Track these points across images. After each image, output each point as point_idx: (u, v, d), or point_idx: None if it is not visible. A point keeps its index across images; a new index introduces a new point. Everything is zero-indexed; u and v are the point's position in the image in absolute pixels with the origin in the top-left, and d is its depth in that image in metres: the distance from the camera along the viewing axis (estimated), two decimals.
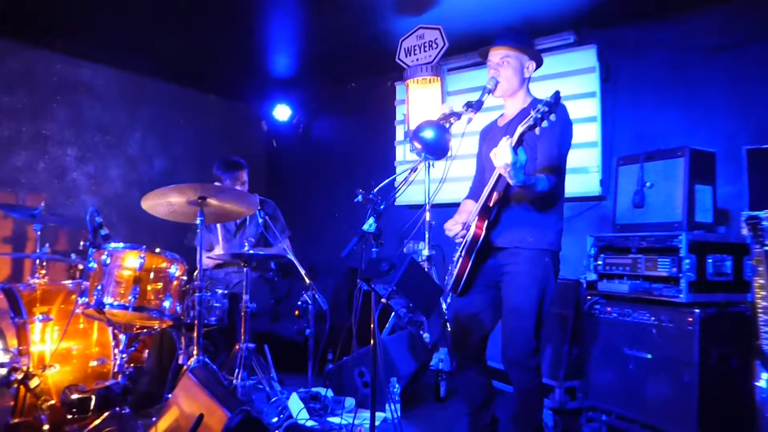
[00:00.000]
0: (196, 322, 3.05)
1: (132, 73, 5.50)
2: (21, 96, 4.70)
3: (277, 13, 4.47)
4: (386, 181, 2.78)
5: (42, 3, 4.11)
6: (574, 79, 4.39)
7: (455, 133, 2.74)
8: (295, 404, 3.28)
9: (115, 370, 2.90)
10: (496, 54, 2.68)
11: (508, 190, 2.56)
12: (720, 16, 3.94)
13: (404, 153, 5.49)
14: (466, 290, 2.69)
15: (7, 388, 2.76)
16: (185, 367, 3.00)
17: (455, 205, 2.92)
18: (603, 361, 3.19)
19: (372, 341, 2.34)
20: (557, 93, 2.23)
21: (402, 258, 2.28)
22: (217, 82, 6.06)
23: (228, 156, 4.17)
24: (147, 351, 3.43)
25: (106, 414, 2.77)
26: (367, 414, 3.17)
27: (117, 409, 2.77)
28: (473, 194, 2.88)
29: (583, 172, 4.30)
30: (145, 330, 3.03)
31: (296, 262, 3.73)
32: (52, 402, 2.84)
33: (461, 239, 2.69)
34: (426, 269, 3.97)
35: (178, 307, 3.01)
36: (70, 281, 3.36)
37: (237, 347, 3.42)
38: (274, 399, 3.37)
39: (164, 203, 3.18)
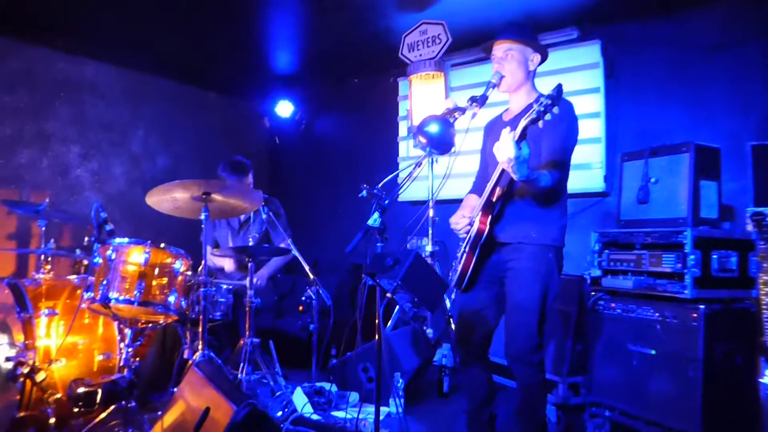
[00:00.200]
0: (201, 317, 3.06)
1: (134, 71, 5.51)
2: (23, 95, 4.70)
3: (278, 10, 4.47)
4: (390, 176, 2.78)
5: (43, 2, 4.11)
6: (577, 74, 4.38)
7: (459, 129, 2.74)
8: (300, 399, 3.29)
9: (121, 364, 2.91)
10: (500, 48, 2.68)
11: (512, 186, 2.56)
12: (722, 13, 3.93)
13: (407, 149, 5.50)
14: (470, 286, 2.69)
15: (13, 382, 2.77)
16: (191, 362, 3.01)
17: (459, 202, 2.92)
18: (607, 357, 3.19)
19: (377, 336, 2.35)
20: (559, 86, 2.22)
21: (407, 253, 2.28)
22: (219, 80, 6.06)
23: (232, 156, 4.17)
24: (152, 346, 3.44)
25: (112, 408, 2.79)
26: (370, 408, 3.18)
27: (123, 402, 2.78)
28: (477, 189, 2.88)
29: (587, 168, 4.30)
30: (150, 325, 3.04)
31: (300, 258, 3.73)
32: (59, 396, 2.86)
33: (465, 235, 2.69)
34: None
35: (183, 302, 3.02)
36: (75, 276, 3.37)
37: (241, 342, 3.43)
38: (278, 393, 3.38)
39: (169, 199, 3.19)
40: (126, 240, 2.92)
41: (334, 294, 4.61)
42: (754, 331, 2.85)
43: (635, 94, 4.33)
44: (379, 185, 2.53)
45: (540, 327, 2.52)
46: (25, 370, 2.75)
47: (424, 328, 4.03)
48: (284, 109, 6.36)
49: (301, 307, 3.77)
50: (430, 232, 4.20)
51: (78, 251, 3.61)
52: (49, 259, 3.37)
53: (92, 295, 2.83)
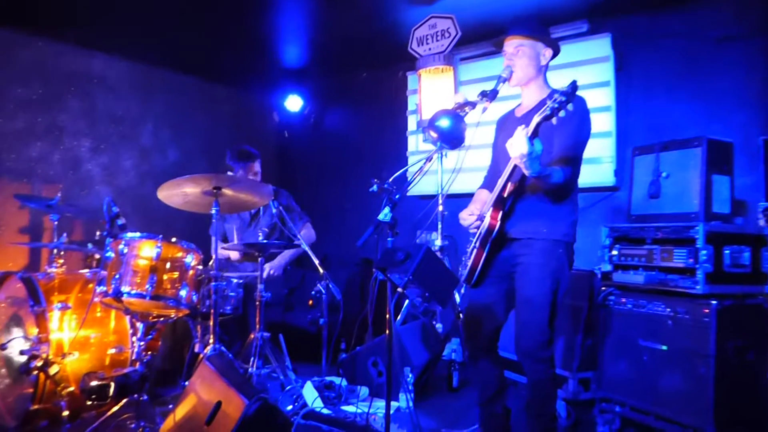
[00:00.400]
0: (212, 311, 3.08)
1: (144, 64, 5.52)
2: (35, 87, 4.72)
3: (288, 3, 4.46)
4: (401, 171, 2.78)
5: None
6: (587, 68, 4.35)
7: (470, 123, 2.73)
8: (310, 393, 3.31)
9: (133, 357, 2.94)
10: (511, 44, 2.67)
11: (523, 181, 2.55)
12: (733, 5, 3.89)
13: (416, 143, 5.49)
14: (480, 281, 2.70)
15: (27, 375, 2.81)
16: (202, 356, 3.03)
17: (469, 196, 2.91)
18: (617, 352, 3.18)
19: (387, 331, 2.35)
20: (574, 82, 2.21)
21: (417, 248, 2.28)
22: (228, 73, 6.07)
23: (240, 145, 4.18)
24: (163, 340, 3.47)
25: (124, 401, 2.81)
26: (380, 403, 3.20)
27: (135, 396, 2.81)
28: (487, 184, 2.87)
29: (597, 162, 4.28)
30: (161, 318, 3.06)
31: (310, 252, 3.74)
32: (71, 389, 2.89)
33: (475, 230, 2.69)
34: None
35: (194, 296, 3.03)
36: (87, 270, 3.40)
37: (252, 336, 3.44)
38: (288, 387, 3.39)
39: (179, 193, 3.20)
40: (138, 234, 2.93)
41: (343, 288, 4.62)
42: (766, 327, 2.85)
43: (646, 88, 4.30)
44: (390, 180, 2.53)
45: (550, 322, 2.52)
46: (39, 363, 2.78)
47: (434, 322, 4.03)
48: (293, 103, 6.36)
49: (310, 301, 3.78)
50: (439, 226, 4.19)
51: (90, 245, 3.65)
52: (62, 253, 3.39)
53: (104, 289, 2.84)
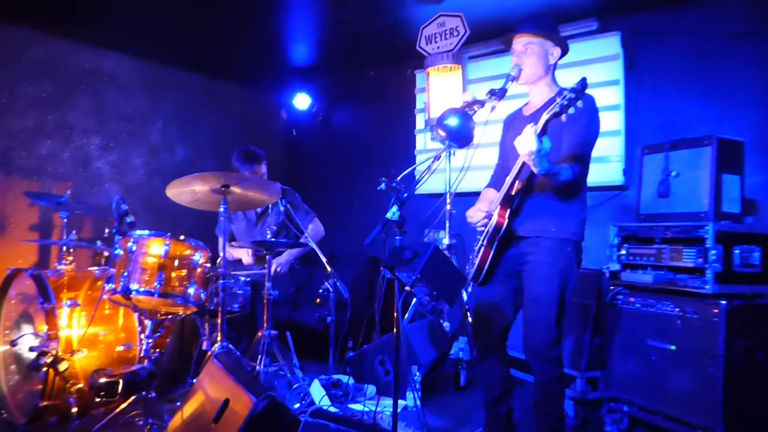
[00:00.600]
0: (219, 308, 3.09)
1: (154, 62, 5.54)
2: (45, 85, 4.75)
3: (296, 2, 4.46)
4: (409, 169, 2.78)
5: None
6: (597, 66, 4.33)
7: (478, 122, 2.72)
8: (317, 391, 3.31)
9: (141, 355, 2.95)
10: (519, 41, 2.65)
11: (532, 179, 2.54)
12: (744, 1, 3.85)
13: (424, 142, 5.48)
14: (488, 280, 2.69)
15: (36, 372, 2.83)
16: (209, 353, 3.04)
17: (477, 194, 2.91)
18: (625, 351, 3.17)
19: (395, 329, 2.35)
20: (584, 79, 2.20)
21: (425, 246, 2.28)
22: (237, 71, 6.08)
23: (247, 146, 4.19)
24: (171, 337, 3.48)
25: (133, 398, 2.83)
26: (387, 401, 3.20)
27: (143, 393, 2.82)
28: (494, 183, 2.86)
29: (605, 161, 4.26)
30: (169, 316, 3.07)
31: (318, 251, 3.75)
32: (80, 386, 2.91)
33: (483, 228, 2.68)
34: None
35: (202, 294, 3.04)
36: (96, 268, 3.41)
37: (259, 334, 3.45)
38: (296, 386, 3.40)
39: (188, 191, 3.21)
40: (146, 232, 2.94)
41: (350, 286, 4.63)
42: None
43: (656, 86, 4.27)
44: (398, 178, 2.53)
45: (558, 321, 2.51)
46: (48, 359, 2.79)
47: (441, 321, 4.03)
48: (301, 101, 6.36)
49: (318, 300, 3.79)
50: (447, 225, 4.18)
51: (99, 243, 3.66)
52: (71, 250, 3.41)
53: (113, 286, 2.86)
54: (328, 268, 3.68)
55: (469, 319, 3.52)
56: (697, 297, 2.87)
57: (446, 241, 4.15)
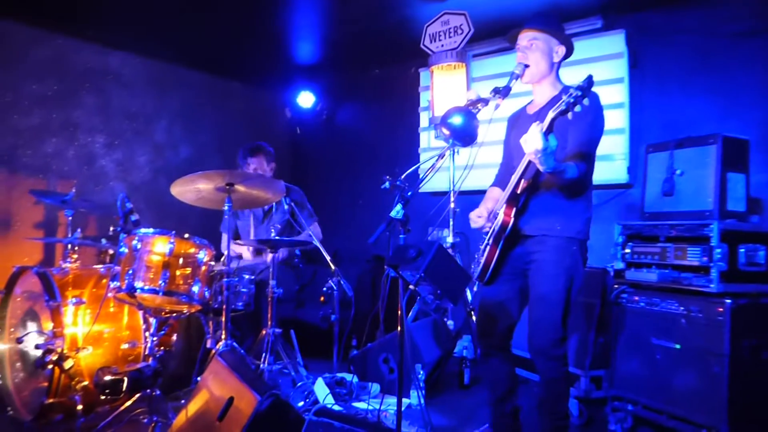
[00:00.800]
0: (224, 307, 3.09)
1: (159, 61, 5.56)
2: (51, 84, 4.77)
3: (301, 0, 4.47)
4: (413, 168, 2.78)
5: None
6: (601, 64, 4.32)
7: (482, 120, 2.72)
8: (321, 389, 3.32)
9: (146, 353, 2.96)
10: (524, 37, 2.65)
11: (537, 178, 2.54)
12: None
13: (428, 140, 5.48)
14: (493, 279, 2.69)
15: (42, 369, 2.83)
16: (214, 351, 3.05)
17: (480, 193, 2.91)
18: (629, 350, 3.16)
19: (399, 327, 2.35)
20: (590, 77, 2.19)
21: (429, 245, 2.28)
22: (241, 70, 6.09)
23: (248, 142, 4.23)
24: (175, 335, 3.49)
25: (137, 396, 2.84)
26: (391, 400, 3.21)
27: (148, 391, 2.83)
28: (499, 182, 2.86)
29: (610, 160, 4.25)
30: (174, 314, 3.08)
31: (321, 249, 3.75)
32: (85, 383, 2.91)
33: (488, 228, 2.68)
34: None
35: (206, 292, 3.05)
36: (101, 266, 3.42)
37: (263, 332, 3.46)
38: (299, 384, 3.41)
39: (192, 190, 3.22)
40: (151, 230, 2.95)
41: (354, 284, 4.64)
42: None
43: (660, 84, 4.26)
44: (402, 177, 2.53)
45: (564, 320, 2.50)
46: (54, 357, 2.80)
47: (445, 319, 4.03)
48: (305, 99, 6.37)
49: (322, 298, 3.78)
50: (451, 223, 4.18)
51: (104, 241, 3.67)
52: (76, 248, 3.43)
53: (118, 284, 2.87)
54: (332, 267, 3.68)
55: (473, 318, 3.51)
56: (701, 296, 2.86)
57: (450, 239, 4.16)
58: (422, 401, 3.09)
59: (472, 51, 4.92)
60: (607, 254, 3.45)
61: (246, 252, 4.23)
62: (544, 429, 2.57)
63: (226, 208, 3.16)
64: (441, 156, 2.64)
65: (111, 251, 3.65)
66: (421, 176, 2.60)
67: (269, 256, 3.59)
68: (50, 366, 2.80)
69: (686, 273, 2.96)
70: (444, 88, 4.57)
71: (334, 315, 3.71)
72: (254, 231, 4.24)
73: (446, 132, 2.62)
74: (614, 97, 4.26)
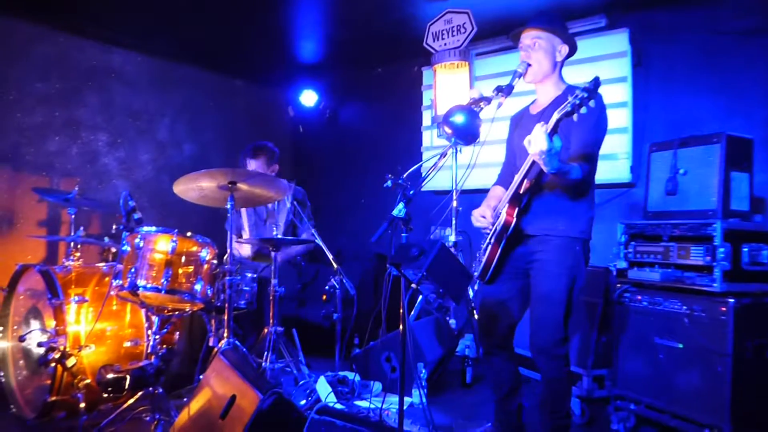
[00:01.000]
0: (226, 305, 3.10)
1: (161, 59, 5.55)
2: (54, 82, 4.77)
3: None
4: (415, 166, 2.78)
5: None
6: (605, 63, 4.31)
7: (485, 119, 2.72)
8: (323, 388, 3.32)
9: (149, 351, 2.96)
10: (528, 35, 2.64)
11: (541, 178, 2.54)
12: None
13: (431, 139, 5.47)
14: (495, 278, 2.69)
15: (45, 367, 2.84)
16: (216, 349, 3.05)
17: (483, 191, 2.90)
18: (632, 349, 3.16)
19: (401, 326, 2.35)
20: (597, 79, 2.18)
21: (432, 244, 2.27)
22: (244, 68, 6.09)
23: (250, 141, 4.24)
24: (178, 333, 3.49)
25: (140, 393, 2.84)
26: (393, 398, 3.20)
27: (150, 389, 2.84)
28: (502, 181, 2.86)
29: (613, 159, 4.24)
30: (176, 312, 3.08)
31: (324, 248, 3.75)
32: (88, 381, 2.91)
33: (490, 227, 2.67)
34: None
35: (208, 291, 3.05)
36: (103, 264, 3.42)
37: (266, 331, 3.46)
38: (302, 382, 3.41)
39: (195, 188, 3.22)
40: (153, 228, 2.95)
41: (357, 283, 4.64)
42: None
43: (664, 83, 4.24)
44: (404, 175, 2.52)
45: (566, 320, 2.50)
46: (57, 355, 2.80)
47: (447, 318, 4.03)
48: (308, 98, 6.37)
49: (324, 296, 3.79)
50: (453, 222, 4.18)
51: (106, 239, 3.68)
52: (79, 246, 3.43)
53: (121, 282, 2.87)
54: (335, 265, 3.68)
55: (476, 317, 3.51)
56: (704, 295, 2.85)
57: (452, 238, 4.16)
58: (424, 400, 3.09)
59: (475, 50, 4.91)
60: (609, 253, 3.45)
61: (245, 250, 4.23)
62: (546, 428, 2.58)
63: (228, 206, 3.16)
64: (443, 155, 2.63)
65: (114, 249, 3.65)
66: (423, 175, 2.60)
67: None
68: (53, 364, 2.81)
69: (689, 272, 2.95)
70: (447, 86, 4.56)
71: (336, 313, 3.71)
72: (256, 230, 4.24)
73: (448, 130, 2.61)
74: (617, 96, 4.25)
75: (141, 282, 2.85)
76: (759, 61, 3.80)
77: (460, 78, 4.52)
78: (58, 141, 4.80)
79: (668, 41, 4.21)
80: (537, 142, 2.19)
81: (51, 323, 2.94)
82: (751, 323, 2.75)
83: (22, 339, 3.04)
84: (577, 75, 2.78)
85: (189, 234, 3.01)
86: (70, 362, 2.82)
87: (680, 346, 2.91)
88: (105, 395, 2.79)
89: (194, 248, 3.03)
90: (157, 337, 2.94)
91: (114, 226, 3.81)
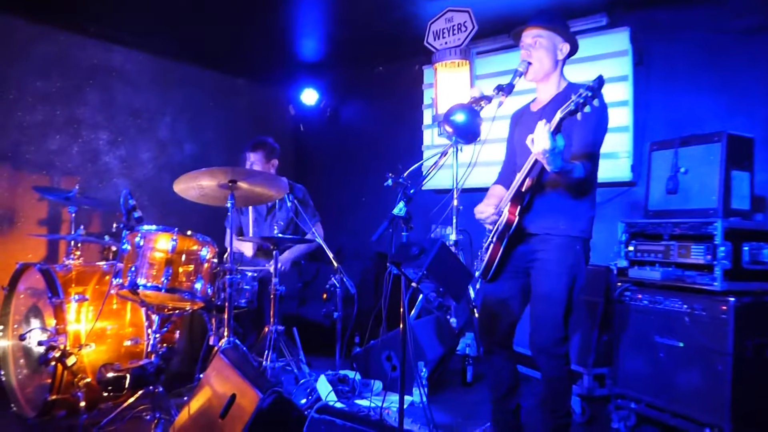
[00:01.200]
0: (226, 304, 3.09)
1: (162, 57, 5.55)
2: (55, 80, 4.77)
3: None
4: (416, 165, 2.77)
5: None
6: (606, 62, 4.30)
7: (485, 117, 2.71)
8: (324, 386, 3.32)
9: (149, 349, 2.96)
10: (529, 34, 2.64)
11: (542, 176, 2.53)
12: None
13: (432, 137, 5.47)
14: (496, 276, 2.68)
15: (45, 366, 2.84)
16: (216, 348, 3.05)
17: (483, 190, 2.90)
18: (633, 348, 3.15)
19: (401, 325, 2.35)
20: (600, 77, 2.17)
21: (432, 242, 2.27)
22: (245, 67, 6.08)
23: (251, 139, 4.24)
24: (178, 332, 3.49)
25: (140, 392, 2.84)
26: (394, 397, 3.20)
27: (150, 387, 2.84)
28: (502, 179, 2.85)
29: (614, 157, 4.24)
30: (177, 311, 3.08)
31: (325, 246, 3.75)
32: (88, 380, 2.92)
33: (491, 225, 2.67)
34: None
35: (209, 289, 3.05)
36: (104, 262, 3.43)
37: (266, 329, 3.46)
38: (302, 381, 3.41)
39: (195, 186, 3.22)
40: (154, 227, 2.95)
41: (357, 282, 4.64)
42: None
43: (665, 82, 4.24)
44: (405, 174, 2.52)
45: (566, 319, 2.50)
46: (57, 354, 2.81)
47: (448, 317, 4.02)
48: (309, 96, 6.36)
49: (325, 295, 3.79)
50: (454, 221, 4.18)
51: (107, 237, 3.68)
52: (79, 245, 3.43)
53: (121, 281, 2.87)
54: (335, 264, 3.68)
55: (476, 315, 3.51)
56: (705, 294, 2.85)
57: (453, 237, 4.15)
58: (425, 399, 3.09)
59: (476, 48, 4.90)
60: (610, 252, 3.44)
61: (248, 250, 4.23)
62: (546, 427, 2.57)
63: (228, 205, 3.16)
64: (444, 153, 2.63)
65: (114, 248, 3.65)
66: (424, 173, 2.60)
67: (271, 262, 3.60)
68: (53, 363, 2.81)
69: (690, 271, 2.95)
70: (447, 85, 4.56)
71: (336, 312, 3.71)
72: (257, 228, 4.24)
73: (449, 129, 2.61)
74: (618, 95, 4.25)
75: (141, 281, 2.85)
76: (760, 60, 3.79)
77: (460, 77, 4.51)
78: (59, 139, 4.80)
79: (669, 40, 4.20)
80: (540, 141, 2.18)
81: (51, 322, 2.94)
82: (751, 322, 2.75)
83: (22, 338, 3.04)
84: (578, 74, 2.76)
85: (189, 232, 3.01)
86: (70, 361, 2.82)
87: (681, 344, 2.91)
88: (105, 394, 2.80)
89: (194, 247, 3.03)
90: (158, 335, 2.94)
91: (114, 225, 3.81)
